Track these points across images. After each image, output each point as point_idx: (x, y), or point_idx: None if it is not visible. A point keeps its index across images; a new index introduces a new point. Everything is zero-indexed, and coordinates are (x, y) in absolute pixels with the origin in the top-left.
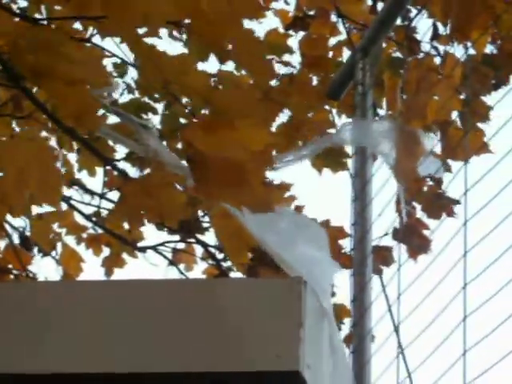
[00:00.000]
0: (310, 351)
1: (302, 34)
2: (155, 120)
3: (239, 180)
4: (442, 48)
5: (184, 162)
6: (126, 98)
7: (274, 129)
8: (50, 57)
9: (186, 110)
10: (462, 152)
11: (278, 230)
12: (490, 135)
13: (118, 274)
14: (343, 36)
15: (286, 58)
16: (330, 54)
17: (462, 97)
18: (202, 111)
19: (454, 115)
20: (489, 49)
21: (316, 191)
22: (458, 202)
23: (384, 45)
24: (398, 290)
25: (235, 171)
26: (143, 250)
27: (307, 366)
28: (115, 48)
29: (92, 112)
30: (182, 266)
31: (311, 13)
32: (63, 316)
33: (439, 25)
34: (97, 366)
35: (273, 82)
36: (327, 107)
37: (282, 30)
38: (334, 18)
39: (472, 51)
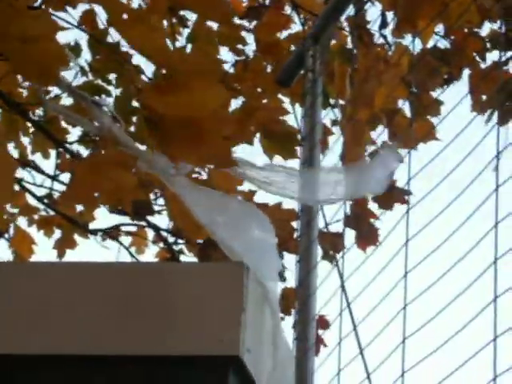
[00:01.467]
0: (250, 336)
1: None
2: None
3: (199, 138)
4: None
5: (137, 144)
6: (79, 80)
7: None
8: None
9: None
10: (407, 140)
11: (224, 216)
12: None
13: (70, 255)
14: (298, 27)
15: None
16: (284, 43)
17: (409, 86)
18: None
19: (402, 104)
20: (442, 43)
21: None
22: (409, 193)
23: (339, 33)
24: (341, 279)
25: (194, 130)
26: (95, 232)
27: (247, 350)
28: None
29: (56, 66)
30: (133, 249)
31: (266, 2)
32: (13, 297)
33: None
34: (37, 347)
35: (227, 68)
36: (280, 95)
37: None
38: (288, 9)
39: (419, 40)
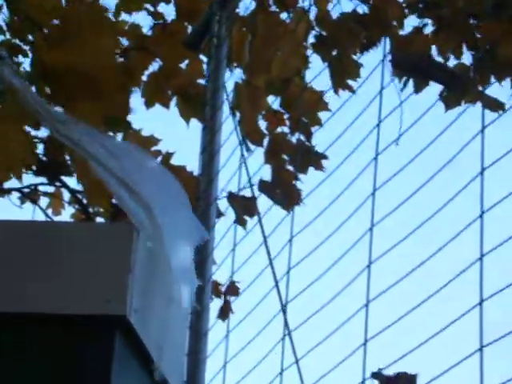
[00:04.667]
0: (138, 296)
1: None
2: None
3: (95, 89)
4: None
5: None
6: None
7: (144, 77)
8: None
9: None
10: (299, 108)
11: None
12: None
13: None
14: None
15: (162, 7)
16: (205, 6)
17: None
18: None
19: (298, 72)
20: (361, 8)
21: (184, 140)
22: (325, 157)
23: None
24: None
25: (90, 81)
26: (8, 191)
27: (134, 310)
28: None
29: None
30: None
31: None
32: None
33: None
34: None
35: (146, 31)
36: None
37: None
38: None
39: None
